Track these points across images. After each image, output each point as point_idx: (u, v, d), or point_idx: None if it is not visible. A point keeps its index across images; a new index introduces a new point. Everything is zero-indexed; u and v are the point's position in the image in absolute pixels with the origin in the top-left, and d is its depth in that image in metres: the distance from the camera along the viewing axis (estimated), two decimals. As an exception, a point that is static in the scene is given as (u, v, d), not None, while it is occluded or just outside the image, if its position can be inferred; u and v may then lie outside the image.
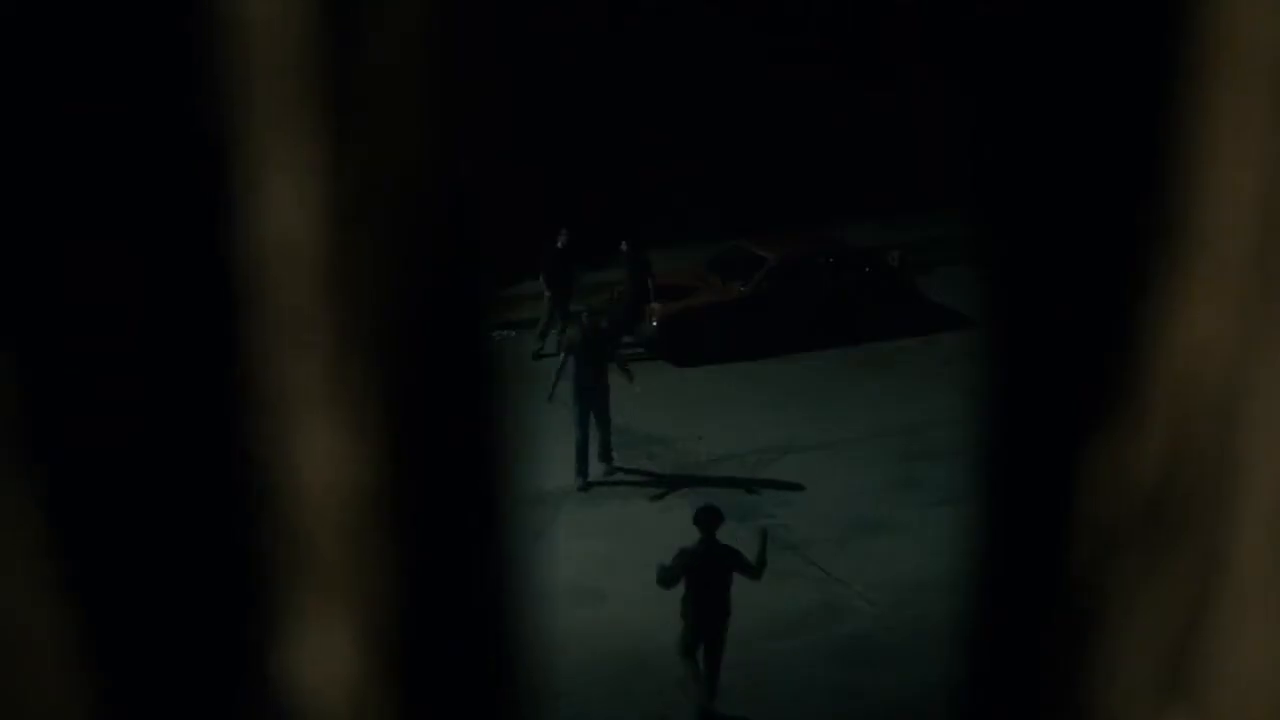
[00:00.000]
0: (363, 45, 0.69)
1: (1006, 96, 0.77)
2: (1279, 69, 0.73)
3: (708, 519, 11.41)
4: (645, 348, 18.38)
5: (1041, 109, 0.75)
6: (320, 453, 0.72)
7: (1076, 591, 0.78)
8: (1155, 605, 0.78)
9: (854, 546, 14.16)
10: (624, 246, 18.81)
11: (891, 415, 16.82)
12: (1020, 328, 0.78)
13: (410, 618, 0.74)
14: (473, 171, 0.73)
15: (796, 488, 15.29)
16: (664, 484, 15.48)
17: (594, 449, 15.52)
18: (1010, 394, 0.79)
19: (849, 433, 16.53)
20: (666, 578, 11.37)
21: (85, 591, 0.72)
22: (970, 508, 0.82)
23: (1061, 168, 0.76)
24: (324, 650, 0.73)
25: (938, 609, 11.98)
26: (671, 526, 14.51)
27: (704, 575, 11.35)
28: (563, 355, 15.66)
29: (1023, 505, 0.80)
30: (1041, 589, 0.79)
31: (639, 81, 22.77)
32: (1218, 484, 0.77)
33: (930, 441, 15.68)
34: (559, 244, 18.71)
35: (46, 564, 0.71)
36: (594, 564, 13.78)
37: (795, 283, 19.02)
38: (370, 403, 0.72)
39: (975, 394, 0.81)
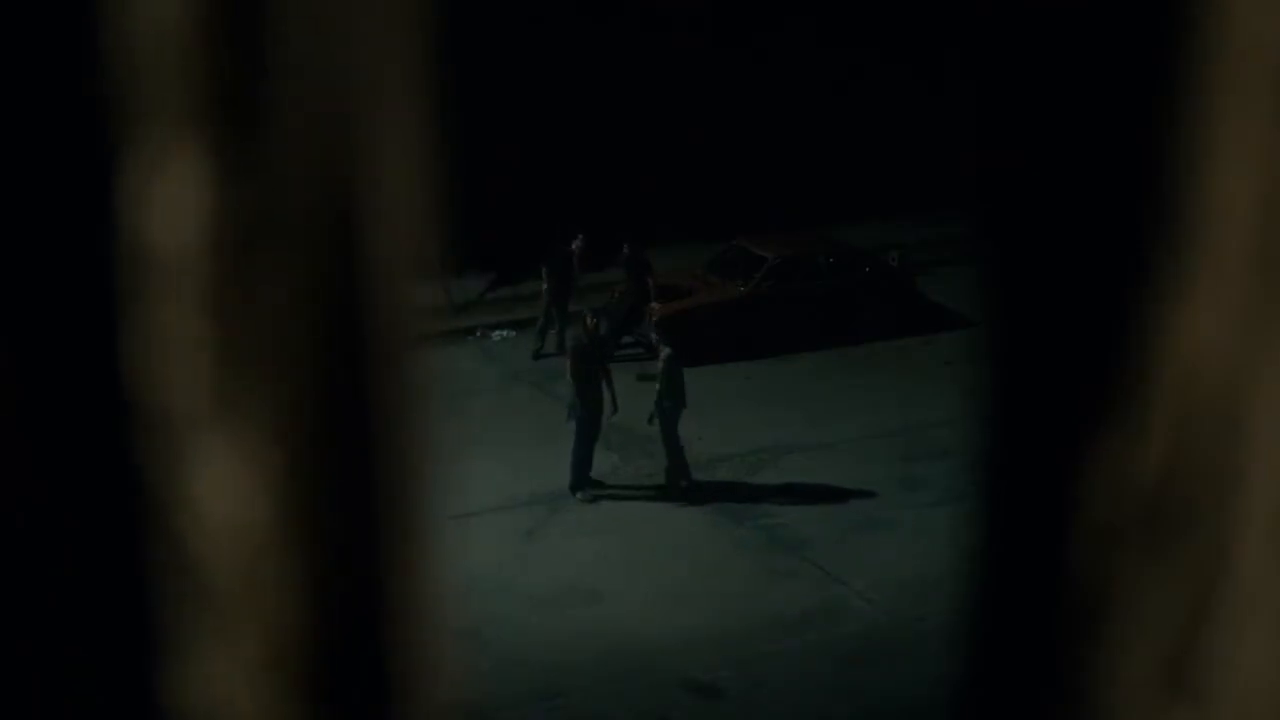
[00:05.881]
0: (264, 54, 0.66)
1: (1007, 97, 0.77)
2: (1279, 69, 0.72)
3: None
4: (645, 348, 18.37)
5: (1042, 109, 0.75)
6: (212, 478, 0.68)
7: (1077, 591, 0.78)
8: (1156, 605, 0.78)
9: (854, 546, 14.15)
10: (624, 247, 18.80)
11: (891, 415, 16.81)
12: (1020, 328, 0.78)
13: (313, 643, 0.72)
14: (381, 183, 0.70)
15: (796, 487, 15.28)
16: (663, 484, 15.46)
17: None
18: (1010, 394, 0.79)
19: (849, 432, 16.51)
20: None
21: None
22: (970, 507, 0.82)
23: (1063, 168, 0.75)
24: (221, 677, 0.70)
25: (938, 609, 11.99)
26: (671, 526, 14.50)
27: (591, 362, 15.21)
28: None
29: (1023, 505, 0.79)
30: (1041, 589, 0.79)
31: (639, 82, 22.76)
32: (1219, 484, 0.76)
33: (930, 441, 15.67)
34: (573, 246, 18.69)
35: None
36: (593, 564, 13.77)
37: (795, 283, 19.01)
38: (266, 425, 0.69)
39: (975, 394, 0.80)
